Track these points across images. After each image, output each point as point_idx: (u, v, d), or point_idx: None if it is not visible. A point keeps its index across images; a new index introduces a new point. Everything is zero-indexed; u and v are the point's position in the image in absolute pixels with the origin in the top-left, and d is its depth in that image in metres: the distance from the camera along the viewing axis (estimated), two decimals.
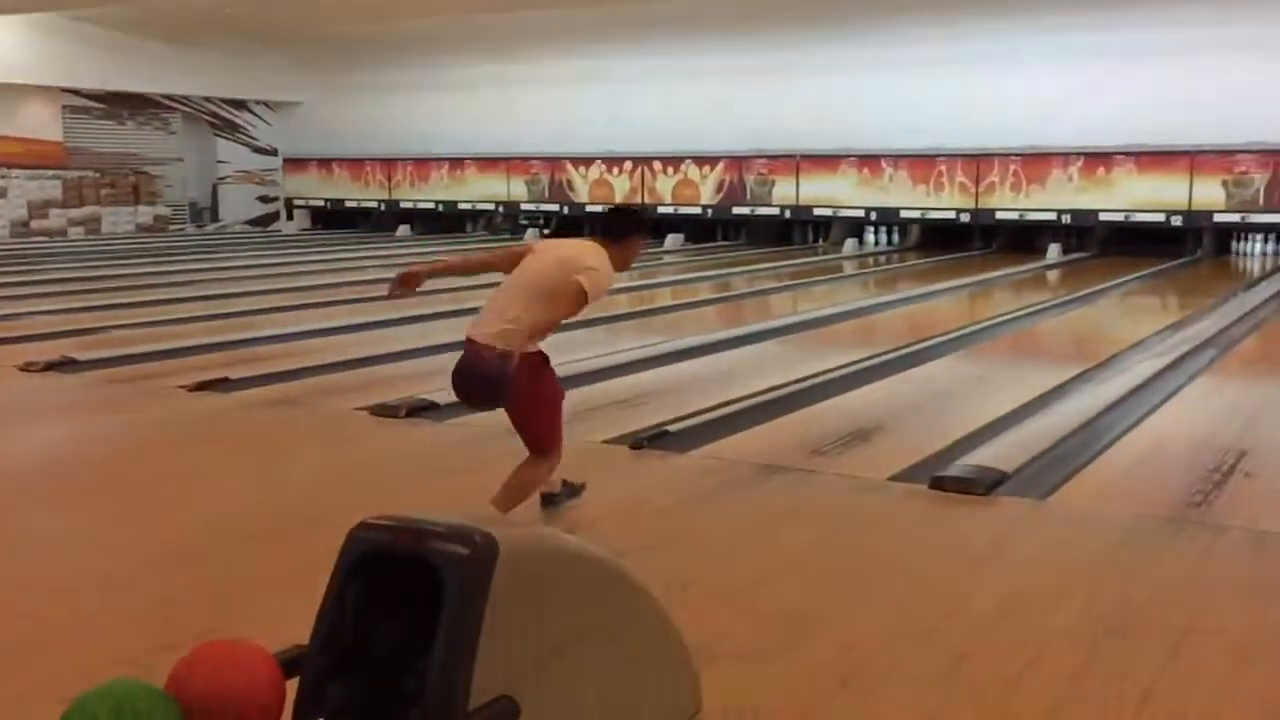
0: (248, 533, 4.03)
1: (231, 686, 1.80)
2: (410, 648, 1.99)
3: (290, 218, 21.93)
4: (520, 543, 2.10)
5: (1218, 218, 14.34)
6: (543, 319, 3.83)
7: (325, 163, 21.52)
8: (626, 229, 4.05)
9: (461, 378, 3.90)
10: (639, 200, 18.13)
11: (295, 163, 21.87)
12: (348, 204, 21.38)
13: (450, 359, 7.01)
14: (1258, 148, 13.97)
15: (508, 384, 3.78)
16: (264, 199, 22.29)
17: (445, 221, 20.32)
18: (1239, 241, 14.79)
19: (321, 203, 21.73)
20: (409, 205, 20.64)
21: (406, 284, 4.12)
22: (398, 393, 6.13)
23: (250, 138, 22.10)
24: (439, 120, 20.12)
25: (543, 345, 3.96)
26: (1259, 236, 14.62)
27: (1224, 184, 14.21)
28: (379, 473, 4.85)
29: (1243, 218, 14.26)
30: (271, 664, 1.92)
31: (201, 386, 6.51)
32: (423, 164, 20.45)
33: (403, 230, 20.25)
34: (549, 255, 3.94)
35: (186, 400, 6.31)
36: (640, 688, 2.35)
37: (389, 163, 20.80)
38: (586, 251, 3.93)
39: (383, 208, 20.97)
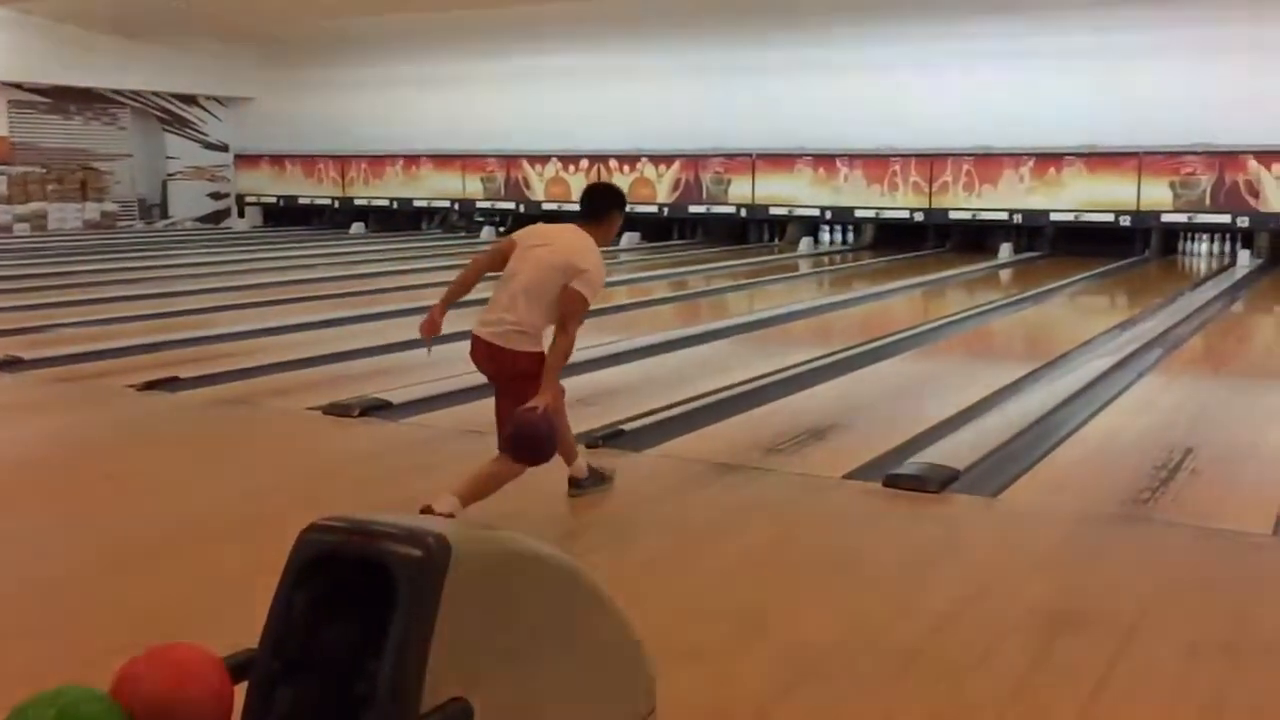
0: (197, 534, 3.97)
1: (178, 691, 1.77)
2: (362, 651, 1.96)
3: (242, 215, 21.68)
4: (474, 544, 2.09)
5: (1165, 218, 14.57)
6: (543, 321, 3.93)
7: (277, 159, 21.29)
8: (606, 207, 4.12)
9: (485, 365, 4.01)
10: None
11: (247, 159, 21.62)
12: (300, 201, 21.16)
13: (404, 357, 6.96)
14: (1204, 149, 14.21)
15: (518, 379, 3.89)
16: (215, 196, 22.01)
17: (400, 219, 20.18)
18: (1186, 241, 15.04)
19: (274, 200, 21.50)
20: (363, 202, 20.47)
21: (432, 331, 4.17)
22: (351, 392, 6.08)
23: (201, 134, 21.82)
24: (394, 117, 19.98)
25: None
26: (1205, 236, 14.87)
27: (1171, 185, 14.44)
28: (332, 473, 4.81)
29: (1189, 218, 14.50)
30: (220, 668, 1.89)
31: (151, 386, 6.42)
32: (377, 161, 20.29)
33: (357, 228, 20.09)
34: (544, 258, 3.92)
35: (135, 400, 6.22)
36: (595, 689, 2.34)
37: (343, 159, 20.62)
38: (577, 251, 3.94)
39: (336, 205, 20.78)
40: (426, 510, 3.76)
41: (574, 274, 3.86)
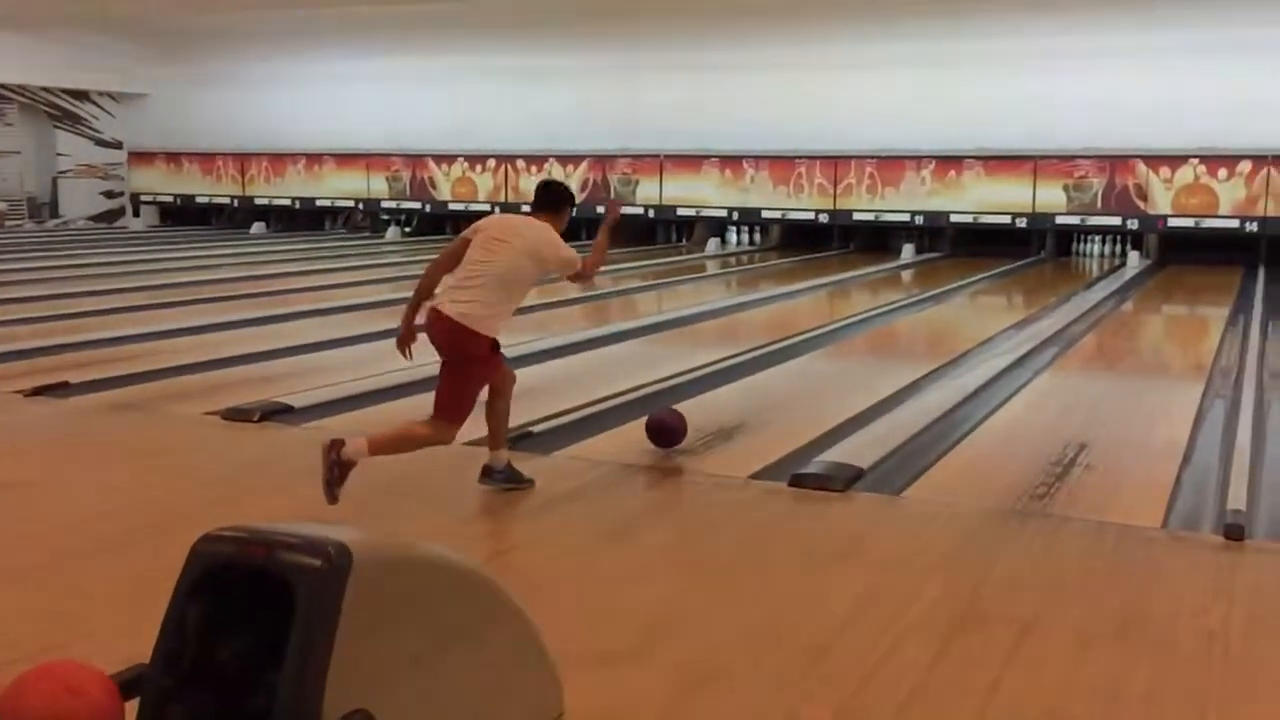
0: (87, 546, 3.84)
1: (65, 710, 1.71)
2: (259, 664, 1.92)
3: (137, 214, 21.07)
4: (375, 552, 2.05)
5: (1059, 220, 15.00)
6: (508, 308, 4.24)
7: (174, 157, 20.74)
8: (560, 200, 4.46)
9: (443, 339, 4.20)
10: (502, 198, 18.02)
11: (141, 156, 21.02)
12: (198, 200, 20.65)
13: (307, 359, 6.83)
14: (1095, 153, 14.67)
15: (465, 360, 4.16)
16: (108, 194, 21.34)
17: (303, 218, 19.82)
18: (1079, 243, 15.50)
19: (170, 198, 20.94)
20: (264, 202, 20.04)
21: (409, 342, 4.36)
22: (251, 396, 5.94)
23: (93, 130, 21.14)
24: (296, 114, 19.60)
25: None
26: (1097, 238, 15.35)
27: (1065, 188, 14.87)
28: (230, 481, 4.69)
29: (1082, 220, 14.94)
30: (108, 685, 1.83)
31: (39, 391, 6.19)
32: (278, 159, 19.88)
33: (257, 227, 19.67)
34: (515, 246, 4.20)
35: (23, 406, 5.99)
36: (502, 694, 2.32)
37: (242, 157, 20.17)
38: (548, 242, 4.28)
39: (236, 204, 20.32)
40: (337, 444, 4.05)
41: (552, 261, 4.28)
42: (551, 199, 4.46)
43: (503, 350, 4.40)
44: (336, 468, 4.07)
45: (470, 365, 4.20)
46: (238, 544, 2.09)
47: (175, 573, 2.00)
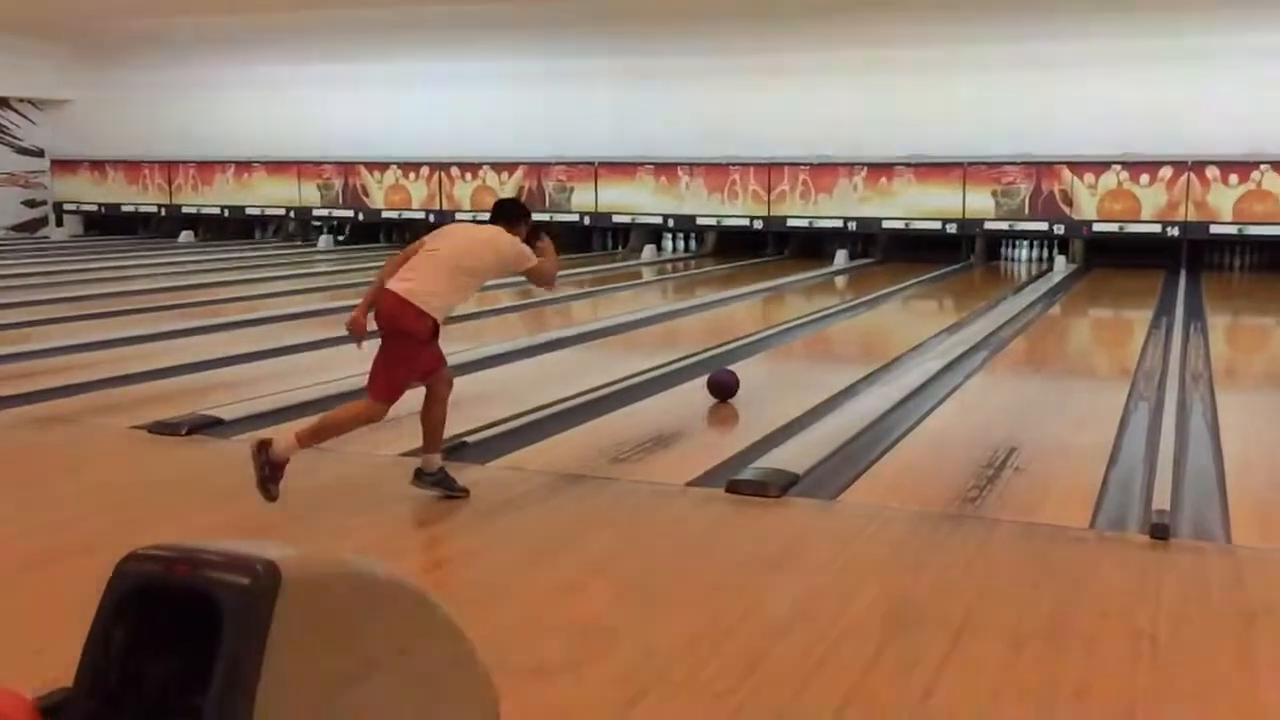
0: (8, 565, 3.73)
1: None
2: (185, 686, 1.87)
3: (60, 223, 20.56)
4: (305, 568, 2.01)
5: (988, 225, 15.24)
6: (455, 300, 4.35)
7: (98, 165, 20.29)
8: (519, 214, 4.61)
9: (384, 313, 4.29)
10: (437, 206, 17.89)
11: (64, 164, 20.52)
12: (124, 209, 20.22)
13: (237, 371, 6.74)
14: (1022, 160, 14.94)
15: (403, 337, 4.24)
16: (30, 203, 20.82)
17: (232, 227, 19.50)
18: (1007, 247, 15.77)
19: (95, 208, 20.48)
20: (192, 210, 19.69)
21: (359, 330, 4.41)
22: (179, 409, 5.83)
23: (14, 138, 20.60)
24: (225, 121, 19.30)
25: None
26: (1025, 243, 15.62)
27: (993, 194, 15.13)
28: (158, 496, 4.59)
29: (1010, 225, 15.21)
30: (28, 709, 1.77)
31: None
32: (207, 167, 19.55)
33: (185, 236, 19.31)
34: (468, 233, 4.54)
35: None
36: (437, 711, 2.28)
37: (169, 165, 19.79)
38: (503, 234, 4.45)
39: (163, 213, 19.93)
40: (265, 444, 4.09)
41: (508, 251, 4.41)
42: (510, 213, 4.59)
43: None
44: (267, 467, 4.05)
45: (407, 343, 4.24)
46: (163, 562, 2.03)
47: (99, 592, 1.95)
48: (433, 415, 4.41)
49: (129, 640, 1.94)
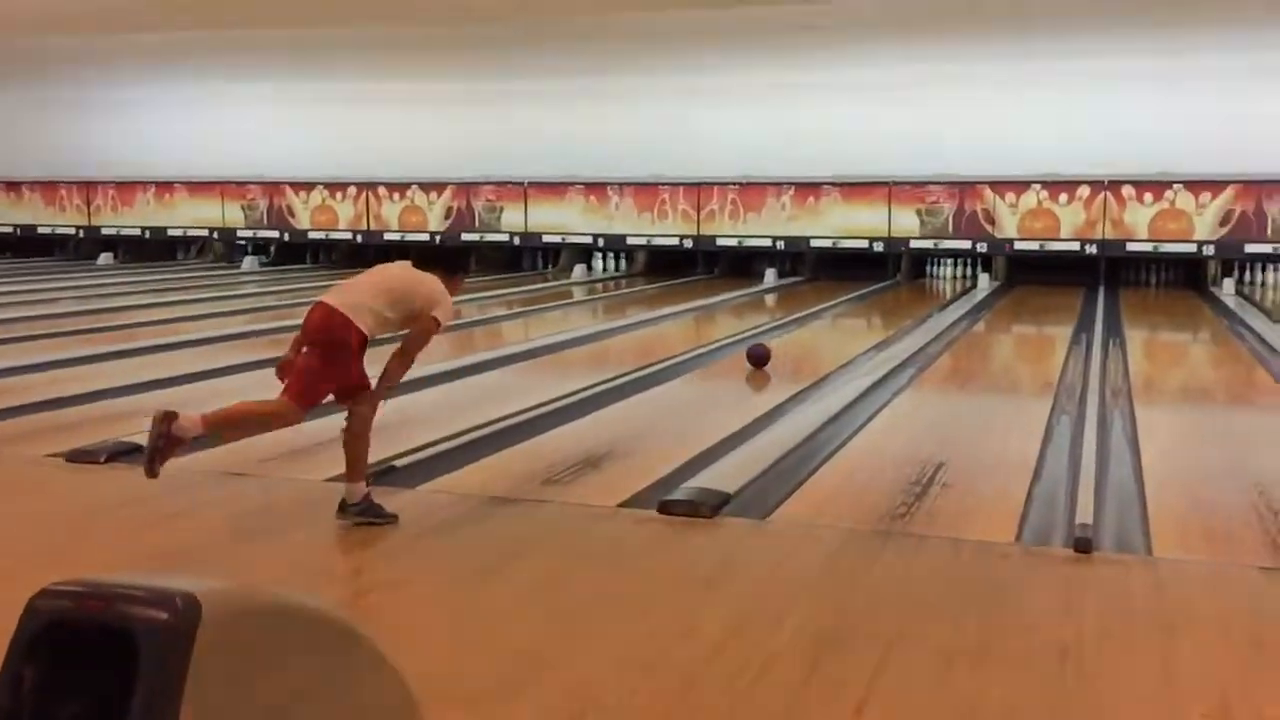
0: None
1: None
2: None
3: None
4: (226, 602, 1.96)
5: (913, 244, 15.49)
6: (391, 319, 4.27)
7: (13, 185, 19.78)
8: (461, 268, 4.64)
9: (312, 323, 4.24)
10: (364, 226, 17.72)
11: None
12: (40, 230, 19.72)
13: (158, 396, 6.57)
14: (946, 179, 15.22)
15: (329, 344, 4.19)
16: None
17: (153, 249, 19.09)
18: (932, 266, 16.04)
19: (9, 229, 19.95)
20: (111, 231, 19.26)
21: (286, 372, 4.34)
22: (97, 436, 5.67)
23: None
24: (145, 141, 18.93)
25: None
26: (949, 261, 15.89)
27: (918, 213, 15.38)
28: (75, 527, 4.46)
29: (935, 244, 15.47)
30: None
31: None
32: (127, 187, 19.15)
33: (105, 258, 18.87)
34: (412, 276, 4.40)
35: None
36: None
37: (88, 185, 19.36)
38: (438, 287, 4.38)
39: (81, 234, 19.48)
40: (170, 416, 3.90)
41: (435, 304, 4.30)
42: (452, 263, 4.62)
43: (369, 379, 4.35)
44: (163, 439, 3.88)
45: (333, 350, 4.19)
46: (76, 598, 1.97)
47: (8, 632, 1.88)
48: (355, 442, 4.32)
49: (41, 681, 1.88)
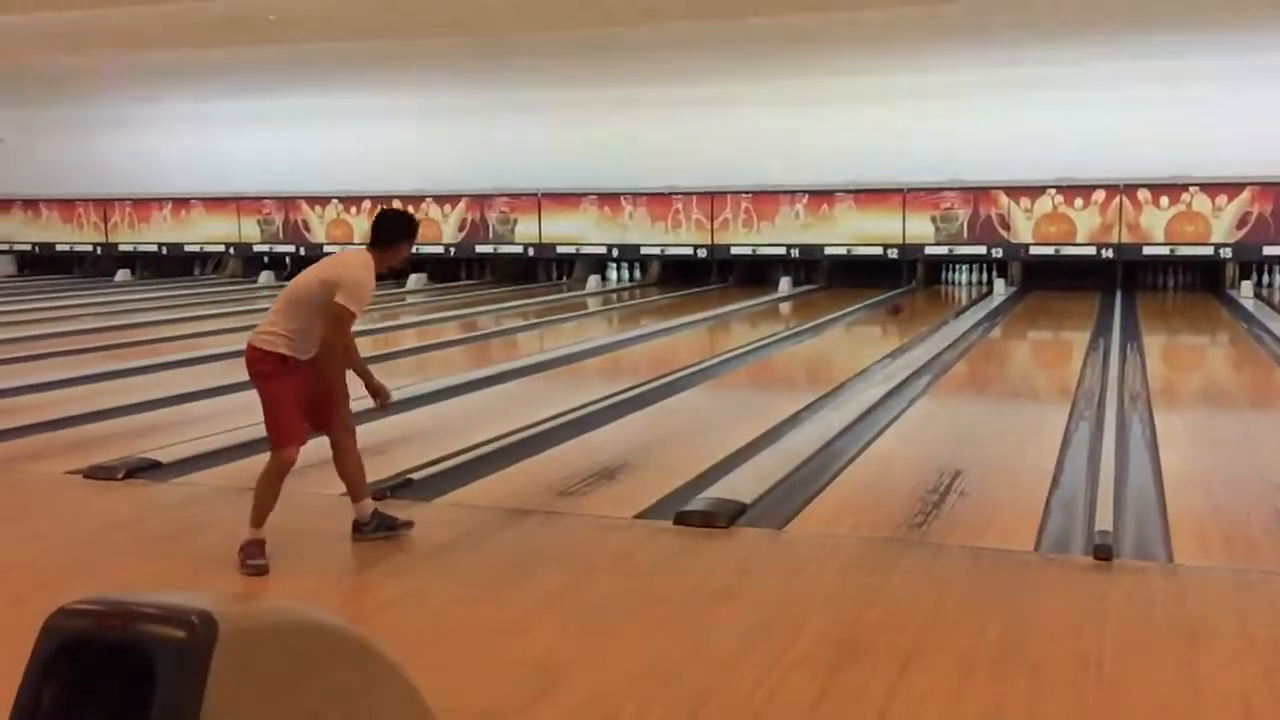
0: None
1: None
2: None
3: None
4: (243, 619, 1.96)
5: (928, 250, 15.46)
6: (299, 328, 4.06)
7: (31, 203, 19.95)
8: (395, 237, 4.25)
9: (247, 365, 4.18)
10: None
11: None
12: (59, 248, 19.88)
13: (175, 412, 6.60)
14: (959, 185, 15.18)
15: (258, 379, 4.11)
16: None
17: (170, 265, 19.23)
18: (948, 272, 16.00)
19: (28, 247, 20.12)
20: (128, 248, 19.40)
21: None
22: (116, 452, 5.70)
23: None
24: (161, 158, 19.06)
25: None
26: (964, 267, 15.86)
27: (933, 219, 15.35)
28: (93, 544, 4.47)
29: (950, 250, 15.43)
30: None
31: None
32: (143, 204, 19.29)
33: (122, 275, 19.00)
34: (314, 272, 4.16)
35: None
36: None
37: (105, 203, 19.50)
38: (340, 264, 4.17)
39: (99, 251, 19.62)
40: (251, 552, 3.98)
41: (333, 287, 4.04)
42: (382, 232, 4.25)
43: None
44: (249, 548, 4.02)
45: (263, 383, 4.11)
46: (94, 616, 1.97)
47: (26, 651, 1.89)
48: (345, 467, 4.26)
49: (59, 699, 1.88)
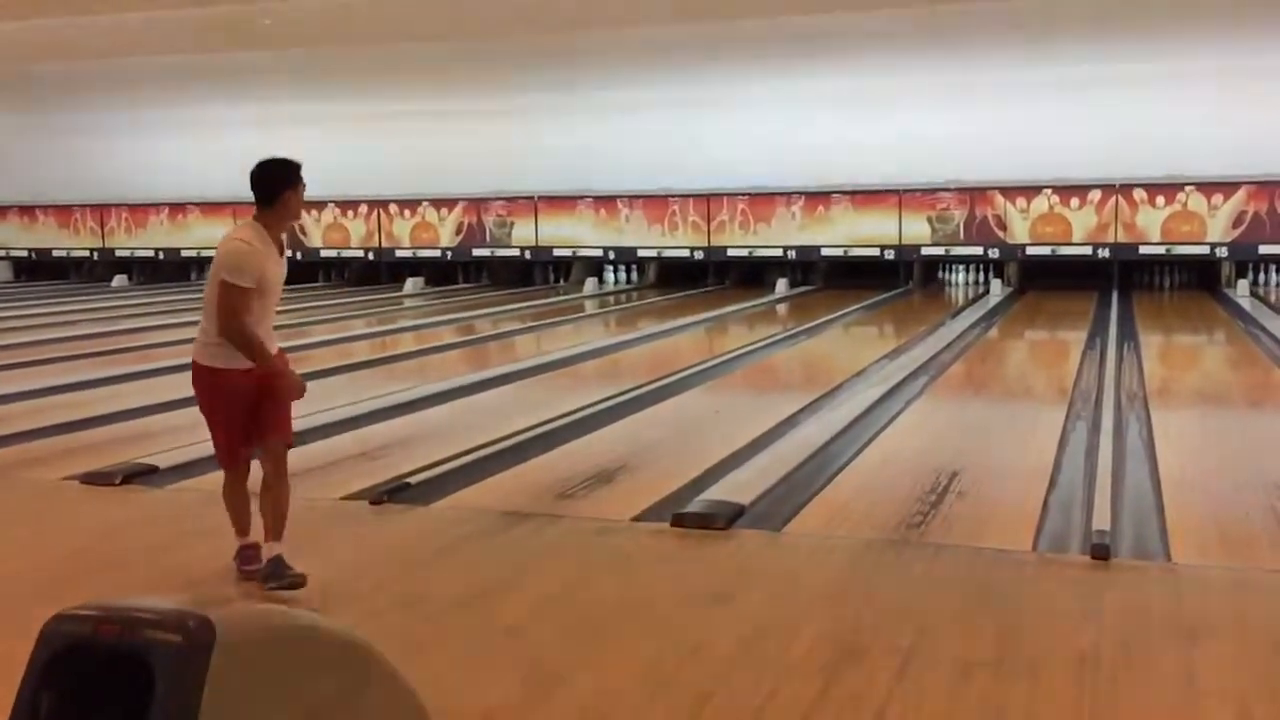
0: None
1: None
2: None
3: None
4: (241, 624, 1.96)
5: (925, 251, 15.47)
6: (212, 327, 3.85)
7: (27, 209, 19.94)
8: (279, 189, 3.87)
9: None
10: (376, 244, 17.78)
11: None
12: (55, 253, 19.87)
13: (172, 417, 6.59)
14: (956, 186, 15.20)
15: (198, 394, 3.96)
16: None
17: (167, 270, 19.21)
18: (944, 272, 16.01)
19: (25, 253, 20.11)
20: (125, 254, 19.38)
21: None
22: (113, 458, 5.70)
23: None
24: (158, 163, 19.05)
25: None
26: (961, 267, 15.88)
27: (929, 220, 15.37)
28: (90, 550, 4.47)
29: (946, 250, 15.45)
30: None
31: None
32: (139, 209, 19.27)
33: (119, 280, 18.98)
34: (214, 262, 3.90)
35: None
36: None
37: (101, 208, 19.48)
38: (221, 244, 3.91)
39: (96, 257, 19.60)
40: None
41: (217, 272, 3.81)
42: (262, 188, 3.86)
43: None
44: (253, 566, 3.91)
45: (199, 397, 3.95)
46: (92, 622, 1.97)
47: (25, 656, 1.89)
48: (263, 495, 3.94)
49: (58, 704, 1.88)
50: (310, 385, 4.31)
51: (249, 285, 3.77)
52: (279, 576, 3.80)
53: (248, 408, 3.89)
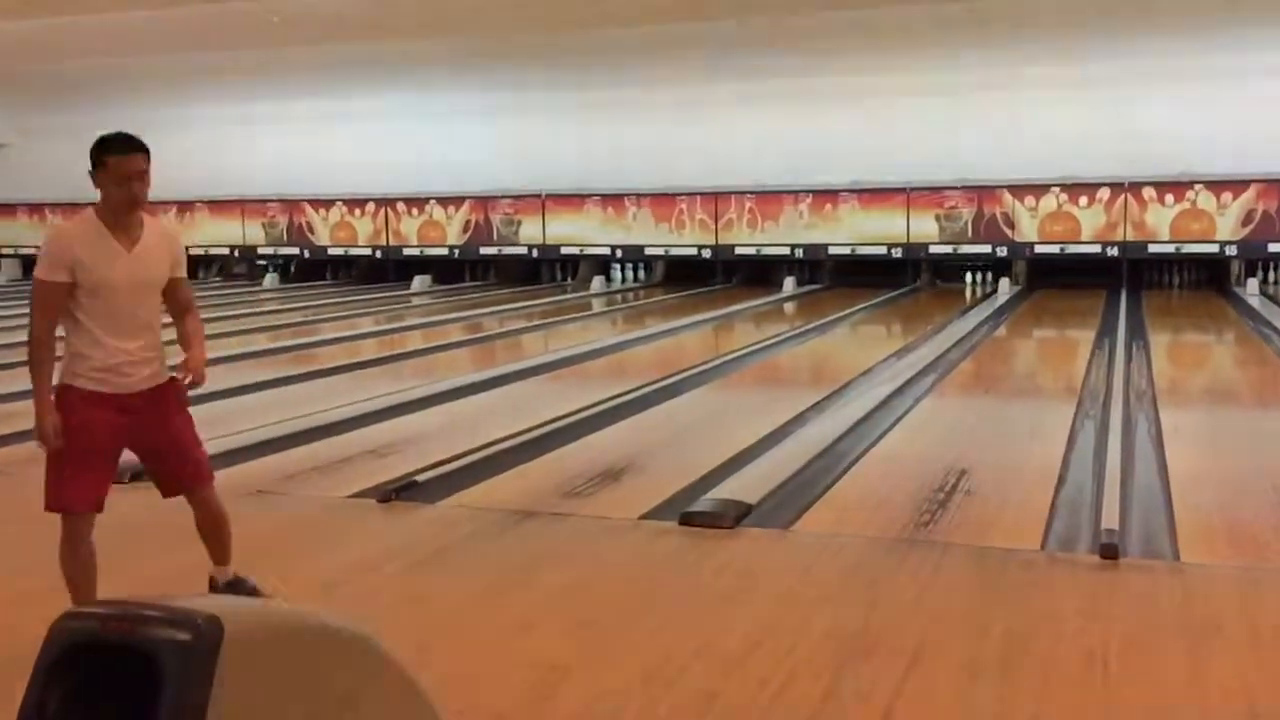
0: None
1: None
2: None
3: None
4: (250, 621, 1.96)
5: (933, 249, 15.45)
6: (72, 342, 3.44)
7: (37, 208, 19.99)
8: (93, 169, 3.48)
9: None
10: (383, 241, 17.80)
11: (2, 208, 20.21)
12: None
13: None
14: (963, 184, 15.17)
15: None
16: None
17: None
18: (952, 271, 15.97)
19: (34, 251, 20.13)
20: None
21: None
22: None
23: None
24: (166, 161, 18.93)
25: None
26: (969, 266, 15.84)
27: (937, 218, 15.34)
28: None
29: (954, 249, 15.42)
30: None
31: None
32: (149, 207, 19.25)
33: None
34: None
35: None
36: None
37: None
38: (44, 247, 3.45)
39: None
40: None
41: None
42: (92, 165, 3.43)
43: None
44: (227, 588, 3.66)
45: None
46: (99, 619, 1.97)
47: (32, 655, 1.89)
48: (198, 518, 3.69)
49: (65, 703, 1.89)
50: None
51: (61, 280, 3.28)
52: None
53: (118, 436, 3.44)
